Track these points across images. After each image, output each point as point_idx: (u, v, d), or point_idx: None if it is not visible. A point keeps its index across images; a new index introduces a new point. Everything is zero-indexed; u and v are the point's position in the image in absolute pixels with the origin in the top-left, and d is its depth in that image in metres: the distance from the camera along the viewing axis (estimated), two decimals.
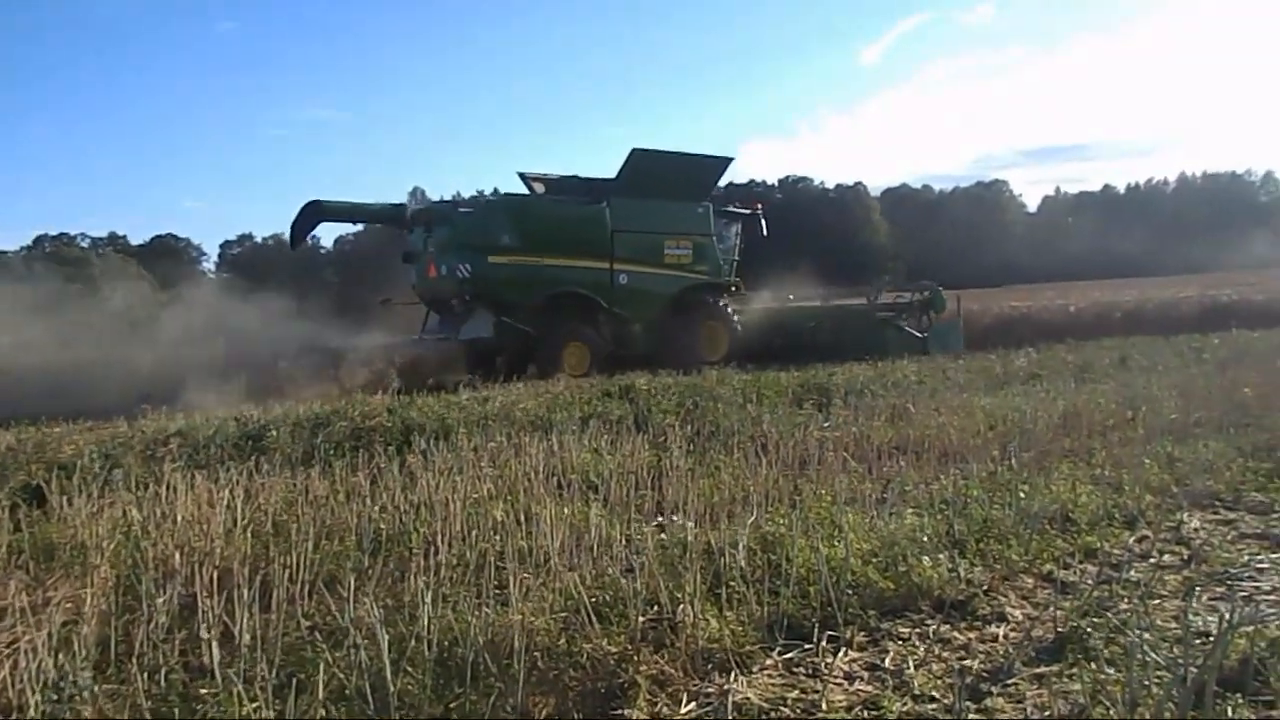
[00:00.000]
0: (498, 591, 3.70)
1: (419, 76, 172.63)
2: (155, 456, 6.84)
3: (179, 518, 4.61)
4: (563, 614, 3.38)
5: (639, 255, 16.87)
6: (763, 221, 19.50)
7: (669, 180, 17.02)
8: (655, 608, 3.46)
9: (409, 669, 2.97)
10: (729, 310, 18.34)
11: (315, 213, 16.18)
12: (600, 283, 16.45)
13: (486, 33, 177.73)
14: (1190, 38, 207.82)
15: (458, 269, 15.52)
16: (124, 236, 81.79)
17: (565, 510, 4.79)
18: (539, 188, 17.60)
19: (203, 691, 2.97)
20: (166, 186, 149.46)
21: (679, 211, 17.35)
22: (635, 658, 3.12)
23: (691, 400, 9.38)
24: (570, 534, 4.31)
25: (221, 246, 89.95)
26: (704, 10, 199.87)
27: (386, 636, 2.91)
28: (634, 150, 16.90)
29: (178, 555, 3.95)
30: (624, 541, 4.27)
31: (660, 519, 5.00)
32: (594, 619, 3.30)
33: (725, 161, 18.70)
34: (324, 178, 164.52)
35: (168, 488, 5.14)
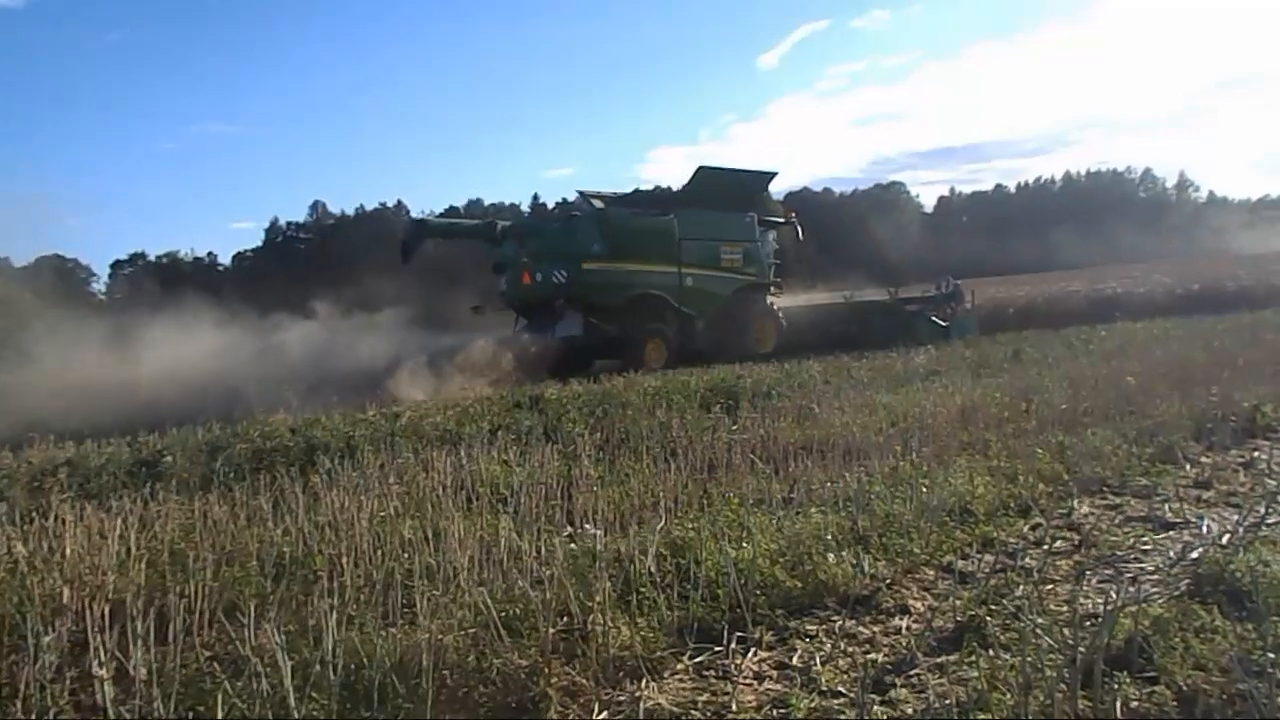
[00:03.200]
0: (406, 610, 3.65)
1: (312, 90, 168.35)
2: (42, 488, 6.55)
3: (68, 551, 4.40)
4: (472, 630, 3.35)
5: (701, 260, 18.93)
6: (798, 228, 21.96)
7: (725, 193, 19.25)
8: (566, 618, 3.46)
9: (313, 694, 2.91)
10: (775, 307, 20.48)
11: (421, 231, 19.10)
12: (671, 285, 18.49)
13: (378, 45, 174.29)
14: (1080, 41, 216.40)
15: (554, 275, 17.37)
16: (5, 258, 77.99)
17: (474, 524, 4.75)
18: (598, 203, 19.19)
19: None
20: (48, 204, 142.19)
21: (731, 220, 19.49)
22: (546, 670, 3.11)
23: (601, 408, 9.39)
24: (480, 548, 4.27)
25: (112, 266, 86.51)
26: (602, 20, 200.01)
27: (289, 662, 2.85)
28: (700, 167, 19.35)
29: (66, 590, 3.79)
30: (534, 553, 4.25)
31: (570, 529, 4.99)
32: (504, 633, 3.27)
33: (770, 175, 21.32)
34: (217, 193, 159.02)
35: (56, 520, 4.92)
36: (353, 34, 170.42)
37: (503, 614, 3.42)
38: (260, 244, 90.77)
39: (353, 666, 3.07)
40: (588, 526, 4.60)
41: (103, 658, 3.02)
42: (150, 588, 3.98)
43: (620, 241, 17.91)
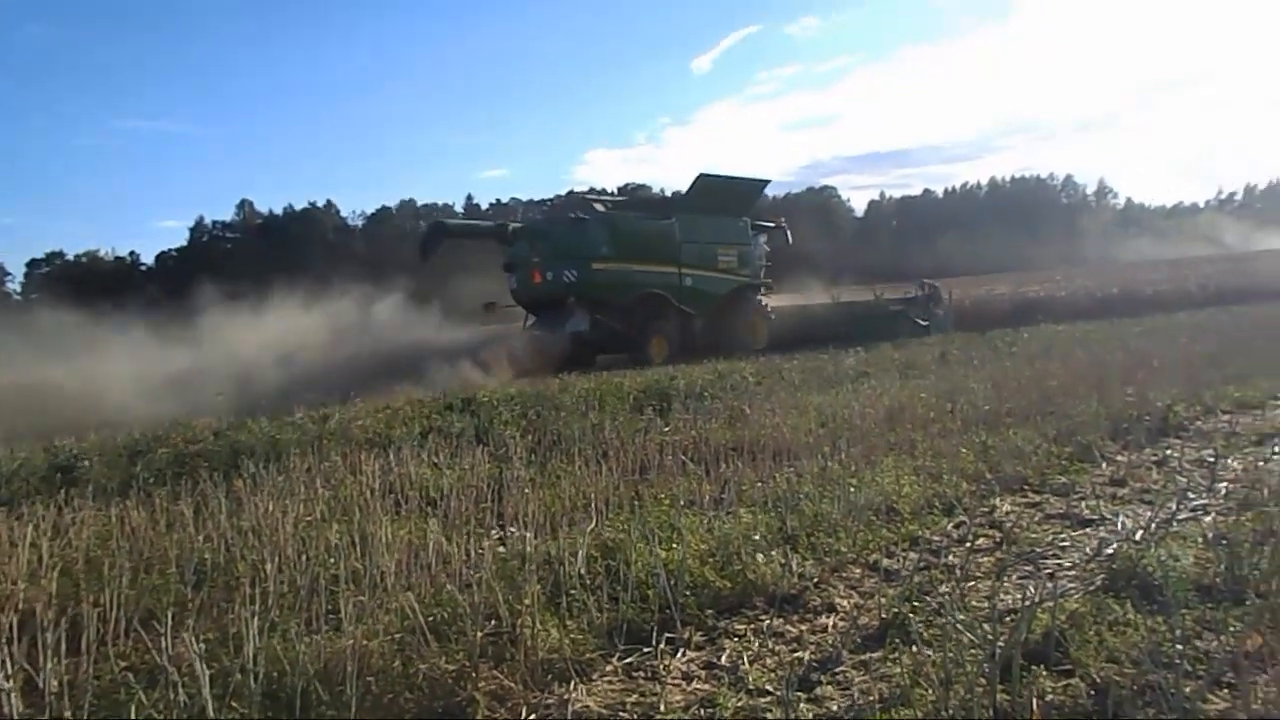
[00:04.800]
0: (330, 616, 3.59)
1: (240, 87, 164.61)
2: None
3: None
4: (398, 635, 3.31)
5: (700, 261, 20.30)
6: (788, 233, 23.68)
7: (722, 199, 20.73)
8: (494, 622, 3.43)
9: (233, 704, 2.84)
10: (766, 306, 22.01)
11: (441, 231, 20.52)
12: (671, 284, 19.77)
13: (306, 43, 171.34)
14: (1003, 51, 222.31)
15: (564, 274, 18.52)
16: None
17: (402, 528, 4.70)
18: (599, 207, 20.51)
19: None
20: None
21: (727, 225, 20.92)
22: (474, 674, 3.09)
23: (534, 410, 9.34)
24: (407, 552, 4.22)
25: (29, 265, 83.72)
26: (536, 21, 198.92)
27: (209, 672, 2.78)
28: (700, 175, 20.76)
29: None
30: (463, 557, 4.21)
31: (500, 531, 4.96)
32: (431, 638, 3.24)
33: (764, 183, 23.19)
34: (140, 191, 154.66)
35: None
36: (280, 31, 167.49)
37: (430, 618, 3.38)
38: (185, 243, 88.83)
39: (275, 674, 3.01)
40: (515, 529, 4.58)
41: (9, 669, 2.92)
42: (63, 597, 3.85)
43: (626, 243, 19.14)
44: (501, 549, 4.42)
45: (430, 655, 3.15)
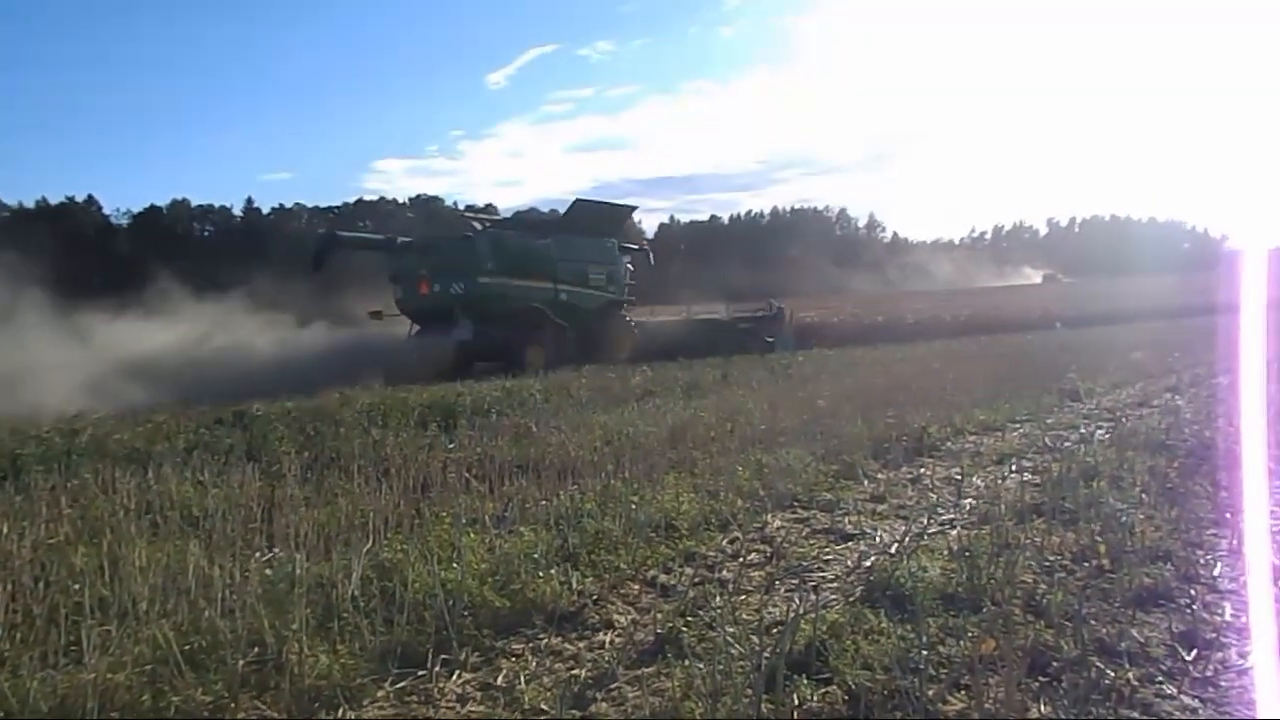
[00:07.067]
0: (72, 649, 3.30)
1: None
2: None
3: None
4: (149, 666, 3.08)
5: (573, 279, 21.79)
6: (650, 255, 26.11)
7: (595, 222, 22.58)
8: (258, 649, 3.27)
9: None
10: (631, 321, 23.71)
11: (333, 242, 21.59)
12: (548, 299, 21.12)
13: (65, 24, 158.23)
14: (780, 89, 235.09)
15: (452, 286, 19.61)
16: None
17: (160, 551, 4.39)
18: (476, 225, 21.98)
19: None
20: None
21: (597, 246, 22.56)
22: (233, 705, 2.93)
23: (312, 426, 8.98)
24: (164, 577, 3.95)
25: None
26: (325, 23, 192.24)
27: None
28: (576, 200, 23.30)
29: None
30: (227, 580, 3.97)
31: (269, 553, 4.72)
32: (186, 668, 3.04)
33: (632, 209, 26.92)
34: None
35: None
36: (38, 10, 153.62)
37: (186, 647, 3.18)
38: None
39: (1, 714, 2.74)
40: (279, 550, 4.38)
41: None
42: None
43: (509, 260, 20.46)
44: (269, 571, 4.20)
45: (185, 687, 2.95)
